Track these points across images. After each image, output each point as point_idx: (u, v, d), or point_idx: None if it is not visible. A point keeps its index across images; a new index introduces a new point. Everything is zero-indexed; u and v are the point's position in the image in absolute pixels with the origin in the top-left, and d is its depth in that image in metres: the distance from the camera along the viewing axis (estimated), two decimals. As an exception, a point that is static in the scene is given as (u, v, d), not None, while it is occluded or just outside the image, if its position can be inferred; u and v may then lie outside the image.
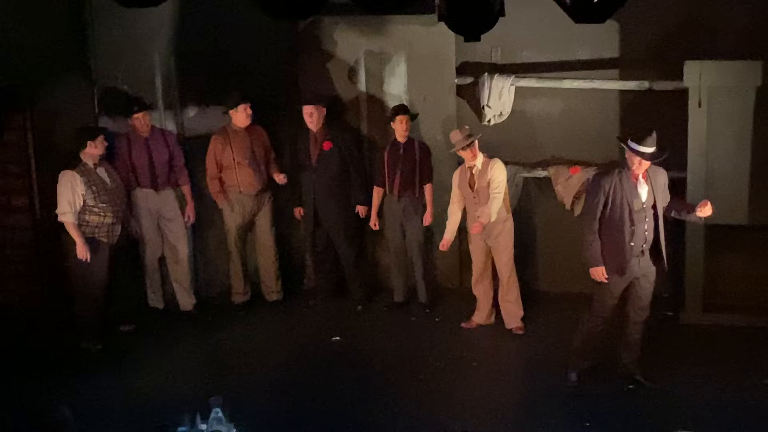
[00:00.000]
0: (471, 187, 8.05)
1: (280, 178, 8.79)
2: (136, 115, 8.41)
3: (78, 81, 8.63)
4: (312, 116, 8.58)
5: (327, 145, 8.67)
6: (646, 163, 6.74)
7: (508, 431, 6.44)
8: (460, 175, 8.16)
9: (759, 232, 8.16)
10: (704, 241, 8.09)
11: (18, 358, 7.74)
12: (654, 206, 6.86)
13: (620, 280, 6.89)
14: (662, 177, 6.94)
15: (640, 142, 6.65)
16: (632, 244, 6.80)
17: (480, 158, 8.02)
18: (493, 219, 7.94)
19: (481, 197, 7.98)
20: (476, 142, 7.98)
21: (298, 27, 9.00)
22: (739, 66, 7.84)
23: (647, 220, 6.83)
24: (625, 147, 6.73)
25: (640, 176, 6.80)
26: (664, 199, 6.95)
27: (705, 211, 6.82)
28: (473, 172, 8.05)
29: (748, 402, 6.79)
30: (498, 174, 7.97)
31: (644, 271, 6.92)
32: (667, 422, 6.52)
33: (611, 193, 6.77)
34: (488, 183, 7.95)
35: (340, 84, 9.06)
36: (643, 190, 6.83)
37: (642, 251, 6.86)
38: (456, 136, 8.05)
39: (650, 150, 6.66)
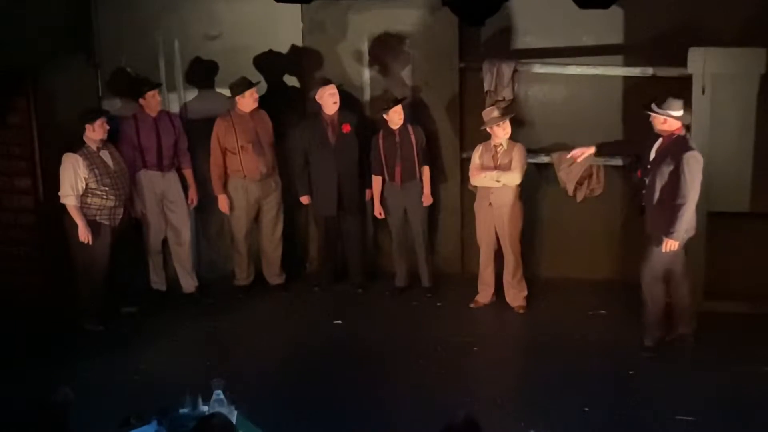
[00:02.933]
0: (494, 163, 8.14)
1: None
2: (148, 93, 8.40)
3: (82, 63, 8.62)
4: (334, 96, 8.56)
5: (346, 128, 8.63)
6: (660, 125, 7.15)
7: (507, 415, 6.46)
8: (484, 150, 8.22)
9: (761, 220, 8.17)
10: (706, 228, 8.09)
11: (20, 339, 7.76)
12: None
13: None
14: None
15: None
16: None
17: (507, 138, 8.13)
18: (508, 183, 8.08)
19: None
20: (509, 120, 8.09)
21: (303, 11, 9.00)
22: (743, 53, 7.82)
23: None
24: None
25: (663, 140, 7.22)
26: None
27: None
28: (498, 150, 8.12)
29: (748, 389, 6.81)
30: (520, 153, 8.11)
31: None
32: (666, 408, 6.54)
33: None
34: (510, 161, 8.07)
35: (344, 68, 9.06)
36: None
37: None
38: (490, 113, 8.12)
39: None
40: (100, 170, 7.86)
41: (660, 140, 7.23)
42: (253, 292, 8.96)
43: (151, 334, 8.03)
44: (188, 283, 8.85)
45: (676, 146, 7.08)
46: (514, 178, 8.08)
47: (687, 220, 7.06)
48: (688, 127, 7.55)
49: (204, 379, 5.23)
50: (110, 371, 7.26)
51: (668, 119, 7.11)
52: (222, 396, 5.02)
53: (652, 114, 7.17)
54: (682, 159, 6.97)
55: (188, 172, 8.75)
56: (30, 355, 7.51)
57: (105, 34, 8.70)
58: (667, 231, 7.05)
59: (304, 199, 8.91)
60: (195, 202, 8.84)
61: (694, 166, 6.99)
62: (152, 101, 8.43)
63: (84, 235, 7.81)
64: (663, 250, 7.13)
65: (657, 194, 7.16)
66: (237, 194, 8.76)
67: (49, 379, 6.82)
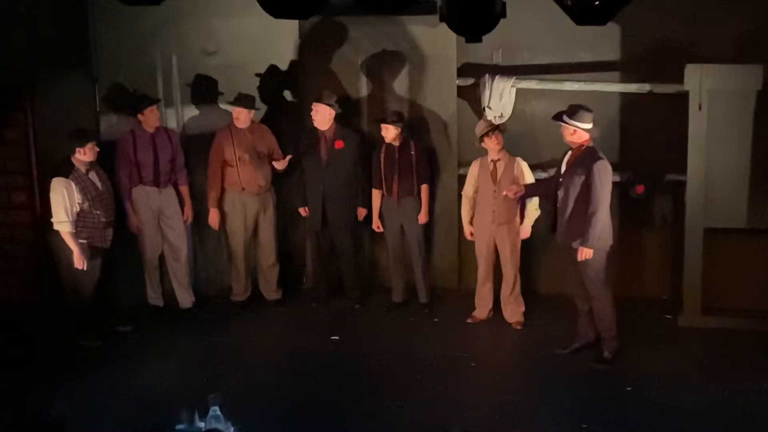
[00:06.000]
0: (493, 179, 8.14)
1: (280, 165, 8.72)
2: (147, 110, 8.39)
3: (80, 79, 8.61)
4: (323, 115, 8.56)
5: (339, 144, 8.64)
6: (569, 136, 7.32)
7: (504, 431, 6.45)
8: (481, 167, 8.24)
9: (758, 236, 8.17)
10: (703, 244, 8.10)
11: (16, 354, 7.74)
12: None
13: None
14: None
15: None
16: None
17: (504, 152, 8.15)
18: (537, 215, 8.20)
19: (503, 190, 8.07)
20: (500, 132, 8.10)
21: (300, 27, 9.03)
22: (740, 70, 7.86)
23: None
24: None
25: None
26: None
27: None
28: (496, 165, 8.12)
29: (746, 406, 6.79)
30: (528, 174, 8.16)
31: None
32: (664, 425, 6.53)
33: None
34: (517, 181, 8.07)
35: (341, 84, 9.07)
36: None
37: None
38: (480, 125, 8.18)
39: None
40: (91, 193, 7.80)
41: (570, 153, 7.40)
42: (250, 308, 8.95)
43: (147, 349, 8.01)
44: (185, 298, 8.83)
45: (586, 157, 7.23)
46: (536, 203, 8.16)
47: (599, 229, 7.19)
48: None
49: (201, 394, 5.22)
50: (107, 387, 7.23)
51: (577, 131, 7.25)
52: (219, 412, 5.01)
53: (561, 124, 7.31)
54: (593, 168, 7.14)
55: (184, 189, 8.74)
56: (27, 371, 7.47)
57: (103, 49, 8.70)
58: (581, 239, 7.19)
59: (302, 211, 8.92)
60: (190, 219, 8.82)
61: (604, 174, 7.17)
62: (151, 117, 8.44)
63: (79, 262, 7.75)
64: (578, 259, 7.25)
65: (570, 206, 7.30)
66: (234, 208, 8.77)
67: (46, 394, 6.82)
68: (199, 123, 9.05)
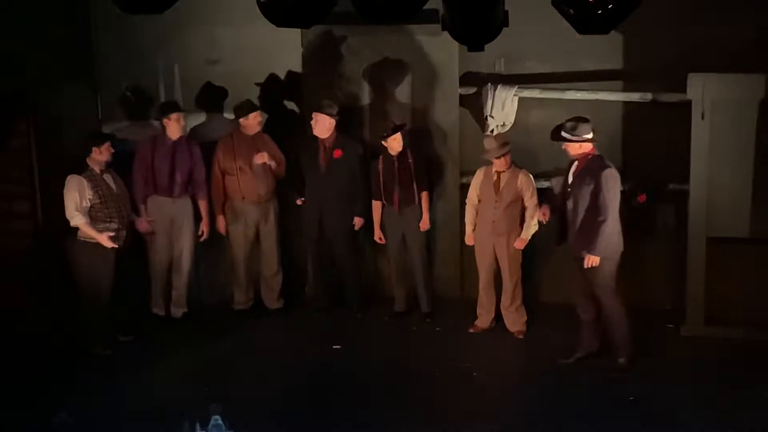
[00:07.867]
0: (495, 190, 8.12)
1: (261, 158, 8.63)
2: (173, 115, 8.39)
3: (82, 88, 8.64)
4: (323, 124, 8.57)
5: (338, 153, 8.64)
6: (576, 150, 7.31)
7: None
8: (485, 177, 8.22)
9: (760, 245, 8.16)
10: (706, 254, 8.08)
11: (18, 363, 7.72)
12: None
13: None
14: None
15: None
16: None
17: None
18: (535, 230, 8.15)
19: (504, 201, 8.07)
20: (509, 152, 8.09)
21: (303, 36, 9.03)
22: (743, 79, 7.86)
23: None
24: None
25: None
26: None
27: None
28: (500, 176, 8.12)
29: (749, 415, 6.77)
30: (532, 186, 8.13)
31: None
32: (667, 435, 6.52)
33: None
34: (519, 193, 8.06)
35: (343, 94, 9.07)
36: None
37: None
38: (491, 143, 8.13)
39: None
40: (104, 192, 7.82)
41: (575, 163, 7.38)
42: (252, 317, 8.93)
43: (148, 358, 7.99)
44: (177, 309, 8.81)
45: (593, 166, 7.24)
46: (536, 217, 8.10)
47: (608, 235, 7.18)
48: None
49: (202, 403, 5.21)
50: (108, 397, 7.21)
51: (583, 144, 7.25)
52: (220, 421, 5.00)
53: (565, 142, 7.31)
54: (601, 177, 7.14)
55: (203, 204, 8.72)
56: (28, 381, 7.46)
57: (105, 58, 8.72)
58: (588, 247, 7.17)
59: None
60: (206, 235, 8.77)
61: (612, 182, 7.17)
62: (175, 125, 8.42)
63: (108, 242, 7.74)
64: (585, 266, 7.23)
65: (580, 215, 7.29)
66: (235, 217, 8.78)
67: (47, 404, 6.80)
68: (202, 131, 9.06)
